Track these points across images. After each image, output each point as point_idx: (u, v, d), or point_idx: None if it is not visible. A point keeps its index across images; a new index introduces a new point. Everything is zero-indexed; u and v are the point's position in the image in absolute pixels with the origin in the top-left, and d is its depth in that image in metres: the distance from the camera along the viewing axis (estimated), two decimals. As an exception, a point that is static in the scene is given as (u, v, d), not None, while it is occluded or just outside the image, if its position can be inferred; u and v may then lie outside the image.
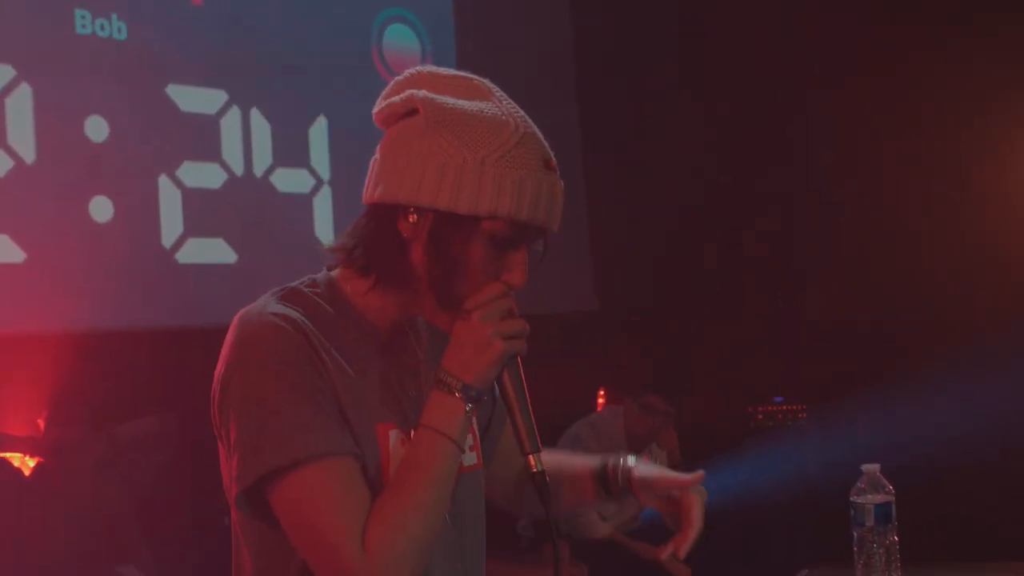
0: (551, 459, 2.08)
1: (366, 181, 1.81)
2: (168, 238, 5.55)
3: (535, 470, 1.76)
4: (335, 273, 1.86)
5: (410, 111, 1.76)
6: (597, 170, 7.22)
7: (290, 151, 6.04)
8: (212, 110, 5.78)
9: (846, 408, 6.75)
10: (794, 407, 7.55)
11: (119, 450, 5.06)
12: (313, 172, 6.10)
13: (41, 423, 4.93)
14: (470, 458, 1.92)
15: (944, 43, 6.58)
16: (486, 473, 2.04)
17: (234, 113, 5.83)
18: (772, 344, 7.32)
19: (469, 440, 1.90)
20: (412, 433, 1.78)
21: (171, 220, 5.56)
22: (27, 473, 4.93)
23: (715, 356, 7.30)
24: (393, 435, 1.78)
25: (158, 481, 5.17)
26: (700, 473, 2.04)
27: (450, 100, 1.75)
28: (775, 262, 7.29)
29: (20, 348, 4.95)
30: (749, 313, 7.31)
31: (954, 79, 6.60)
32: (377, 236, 1.78)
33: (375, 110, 1.83)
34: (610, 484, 2.08)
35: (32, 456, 4.96)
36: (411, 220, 1.73)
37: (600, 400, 6.46)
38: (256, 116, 5.90)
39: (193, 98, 5.70)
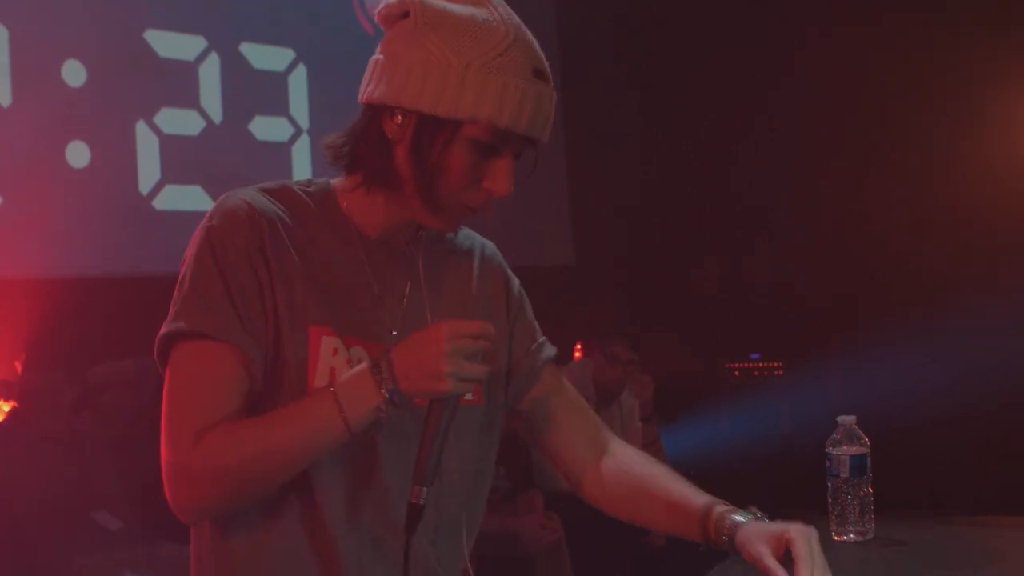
0: (660, 475, 2.05)
1: (362, 81, 1.81)
2: (145, 185, 5.52)
3: (416, 501, 1.67)
4: (335, 181, 1.87)
5: (404, 13, 1.76)
6: (577, 125, 7.19)
7: (269, 99, 6.01)
8: (191, 56, 5.73)
9: (823, 365, 6.78)
10: (771, 364, 7.58)
11: (94, 392, 5.05)
12: (292, 121, 6.07)
13: (18, 366, 4.91)
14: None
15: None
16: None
17: (213, 60, 5.79)
18: (750, 301, 7.33)
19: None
20: (352, 349, 1.76)
21: (148, 167, 5.53)
22: (1, 417, 4.92)
23: (692, 313, 7.32)
24: (328, 341, 1.75)
25: (134, 424, 5.16)
26: (805, 531, 1.95)
27: (443, 4, 1.74)
28: (754, 219, 7.29)
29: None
30: (727, 271, 7.32)
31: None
32: (364, 135, 1.78)
33: (375, 11, 1.82)
34: (710, 534, 1.98)
35: (7, 400, 4.95)
36: (396, 121, 1.73)
37: (576, 355, 6.47)
38: (235, 63, 5.86)
39: (171, 44, 5.65)
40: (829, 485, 2.61)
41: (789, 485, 4.23)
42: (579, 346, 6.38)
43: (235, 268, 1.71)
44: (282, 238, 1.74)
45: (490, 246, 2.06)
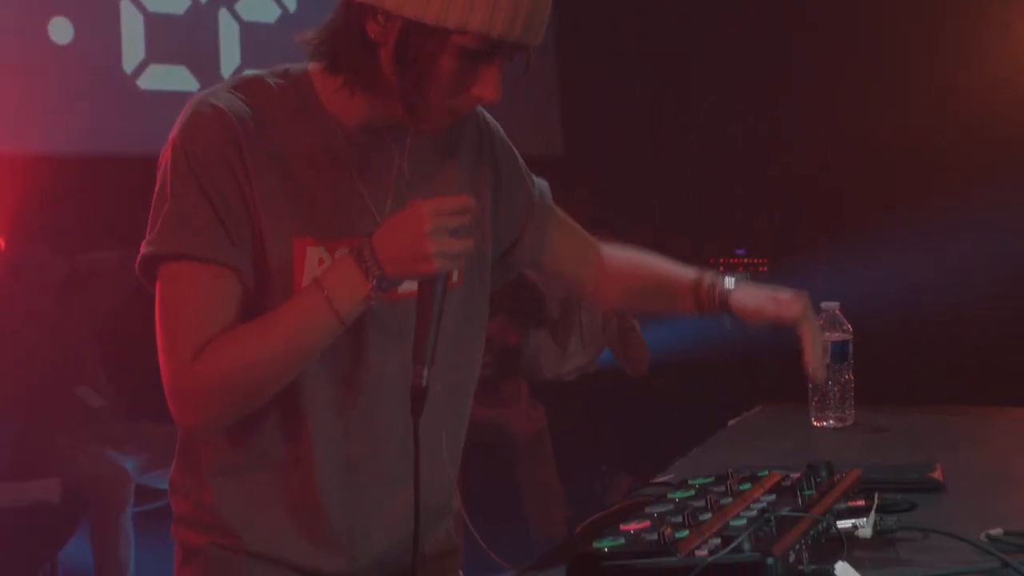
0: (648, 262, 2.13)
1: None
2: (129, 63, 5.44)
3: (419, 382, 1.63)
4: (311, 67, 1.75)
5: None
6: (568, 9, 7.10)
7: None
8: (177, -67, 5.62)
9: (808, 263, 6.77)
10: (756, 260, 7.57)
11: (81, 277, 5.04)
12: (279, 2, 5.97)
13: (2, 241, 4.89)
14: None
15: None
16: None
17: (199, -63, 5.68)
18: (736, 196, 7.30)
19: None
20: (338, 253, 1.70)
21: (133, 45, 5.45)
22: (-15, 295, 4.92)
23: (678, 207, 7.29)
24: (313, 252, 1.70)
25: (118, 312, 5.15)
26: (800, 297, 2.01)
27: None
28: (744, 114, 7.24)
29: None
30: (714, 165, 7.28)
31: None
32: (345, 34, 1.67)
33: None
34: (703, 302, 2.03)
35: (-10, 277, 4.94)
36: (379, 22, 1.63)
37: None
38: (221, -59, 5.75)
39: (157, -81, 5.54)
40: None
41: (771, 377, 4.25)
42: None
43: (215, 180, 1.64)
44: (258, 141, 1.66)
45: (487, 119, 1.96)
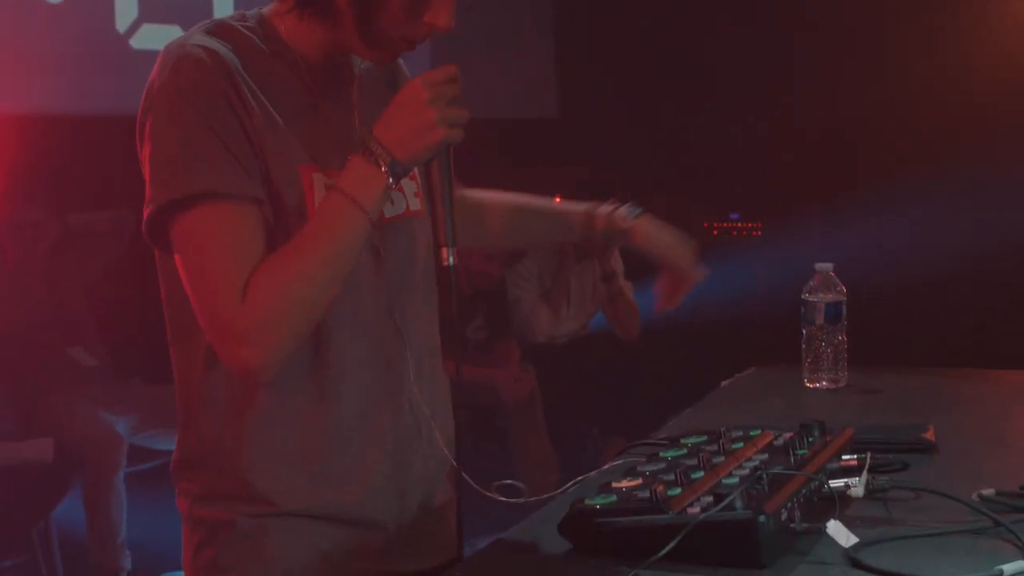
0: (518, 196, 2.14)
1: None
2: (122, 22, 5.40)
3: (446, 263, 1.67)
4: (266, 9, 1.76)
5: None
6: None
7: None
8: None
9: (801, 228, 6.77)
10: (749, 224, 7.56)
11: (73, 237, 5.03)
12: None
13: (-3, 200, 4.89)
14: (414, 203, 1.84)
15: None
16: None
17: None
18: (731, 160, 7.29)
19: (413, 187, 1.84)
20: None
21: (126, 4, 5.41)
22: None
23: (672, 170, 7.27)
24: (318, 178, 1.69)
25: (109, 273, 5.15)
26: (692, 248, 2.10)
27: None
28: (740, 78, 7.21)
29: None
30: (709, 129, 7.25)
31: None
32: None
33: None
34: (595, 229, 2.14)
35: (-18, 236, 4.93)
36: None
37: (556, 207, 6.43)
38: None
39: None
40: (804, 332, 2.62)
41: (764, 340, 4.25)
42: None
43: (219, 116, 1.62)
44: (246, 79, 1.66)
45: (406, 74, 1.95)
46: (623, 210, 2.14)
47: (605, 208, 2.14)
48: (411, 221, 1.83)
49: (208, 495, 1.75)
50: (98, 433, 4.59)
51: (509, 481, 1.79)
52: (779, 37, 7.00)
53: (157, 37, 5.42)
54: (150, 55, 5.12)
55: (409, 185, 1.83)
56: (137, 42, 5.40)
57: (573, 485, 1.91)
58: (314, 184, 1.68)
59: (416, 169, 1.80)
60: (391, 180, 1.64)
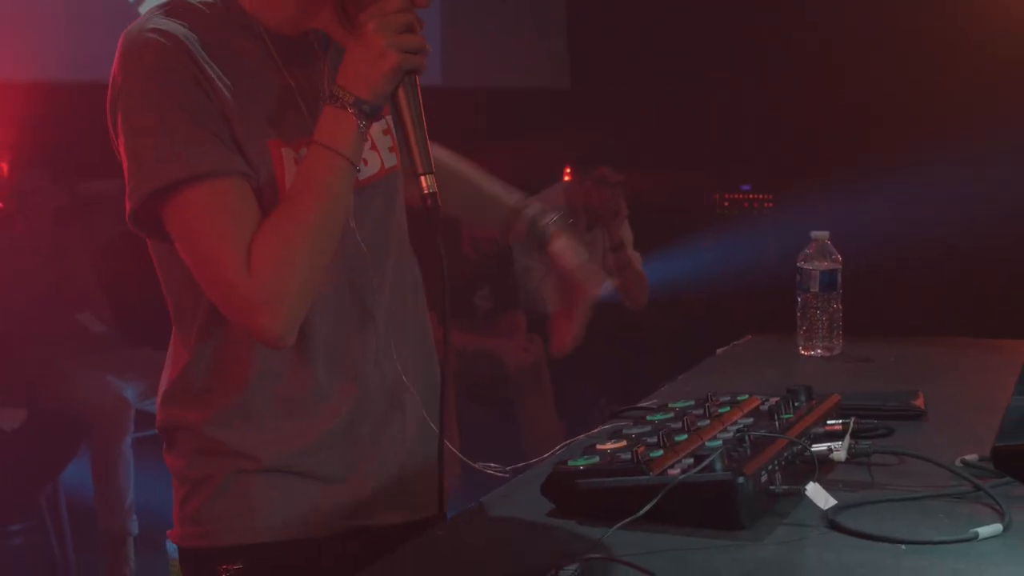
0: (470, 173, 2.11)
1: None
2: (132, -11, 5.42)
3: (426, 191, 1.65)
4: None
5: None
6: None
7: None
8: None
9: (812, 200, 6.76)
10: (760, 196, 7.55)
11: (81, 205, 5.05)
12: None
13: (5, 166, 4.90)
14: (389, 160, 1.84)
15: None
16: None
17: None
18: (744, 133, 7.27)
19: (388, 142, 1.84)
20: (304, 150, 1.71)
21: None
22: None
23: (684, 143, 7.26)
24: (287, 152, 1.69)
25: (116, 241, 5.17)
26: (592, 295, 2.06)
27: None
28: (752, 50, 7.19)
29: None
30: (721, 100, 7.23)
31: None
32: None
33: None
34: (517, 230, 2.08)
35: (-8, 202, 4.96)
36: None
37: (566, 178, 6.43)
38: None
39: None
40: (799, 300, 2.62)
41: (771, 311, 4.25)
42: (568, 169, 6.33)
43: (192, 98, 1.61)
44: (206, 59, 1.65)
45: None
46: (548, 215, 2.07)
47: (533, 209, 2.07)
48: (387, 179, 1.83)
49: (193, 452, 1.78)
50: (106, 398, 4.62)
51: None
52: (793, 12, 6.99)
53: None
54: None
55: (383, 140, 1.82)
56: (145, 9, 5.41)
57: (560, 449, 1.92)
58: (283, 159, 1.69)
59: (391, 122, 1.81)
60: (361, 122, 1.64)
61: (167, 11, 1.68)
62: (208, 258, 1.63)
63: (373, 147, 1.78)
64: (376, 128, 1.77)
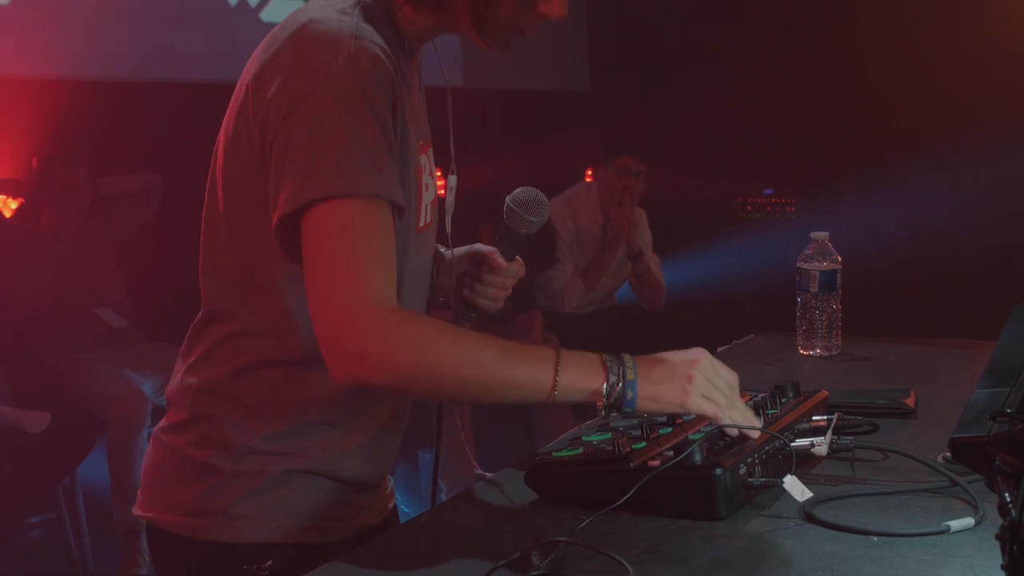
0: None
1: None
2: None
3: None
4: None
5: None
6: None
7: None
8: None
9: (835, 206, 6.77)
10: (783, 200, 7.56)
11: (104, 200, 5.11)
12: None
13: (35, 162, 4.96)
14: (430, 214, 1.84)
15: None
16: None
17: None
18: (767, 137, 7.27)
19: (431, 197, 1.84)
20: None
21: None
22: (9, 214, 4.99)
23: (706, 147, 7.27)
24: (424, 159, 1.78)
25: (138, 237, 5.23)
26: None
27: None
28: (774, 54, 7.19)
29: (6, 92, 4.95)
30: (745, 105, 7.24)
31: None
32: None
33: None
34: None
35: (15, 198, 5.01)
36: None
37: (587, 179, 6.45)
38: None
39: None
40: (798, 299, 2.64)
41: (784, 312, 4.28)
42: (590, 172, 6.35)
43: (386, 120, 1.60)
44: (398, 83, 1.65)
45: None
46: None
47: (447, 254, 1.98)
48: (431, 231, 1.87)
49: (231, 446, 1.74)
50: (123, 392, 4.66)
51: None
52: (815, 15, 7.00)
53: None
54: (181, 20, 5.11)
55: (428, 196, 1.82)
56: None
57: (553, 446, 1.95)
58: (421, 164, 1.75)
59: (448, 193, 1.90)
60: (603, 411, 1.61)
61: (364, 16, 1.66)
62: (347, 270, 1.56)
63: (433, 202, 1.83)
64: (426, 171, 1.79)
